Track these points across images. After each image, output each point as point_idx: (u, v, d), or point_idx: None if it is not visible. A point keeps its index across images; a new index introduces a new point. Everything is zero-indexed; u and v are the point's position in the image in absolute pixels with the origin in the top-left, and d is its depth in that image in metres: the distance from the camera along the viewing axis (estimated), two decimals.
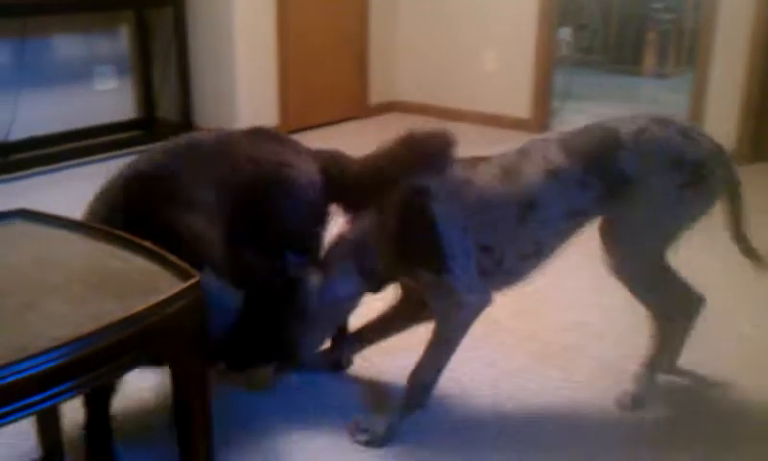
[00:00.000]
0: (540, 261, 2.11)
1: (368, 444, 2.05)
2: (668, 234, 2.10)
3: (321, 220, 2.17)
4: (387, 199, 2.08)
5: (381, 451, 2.03)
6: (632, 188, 2.02)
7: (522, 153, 2.10)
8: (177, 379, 1.44)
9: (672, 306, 2.24)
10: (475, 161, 2.12)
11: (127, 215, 1.79)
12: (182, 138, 2.08)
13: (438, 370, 2.08)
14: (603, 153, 2.02)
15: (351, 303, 2.20)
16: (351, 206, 2.18)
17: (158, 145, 2.05)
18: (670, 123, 2.06)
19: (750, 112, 4.85)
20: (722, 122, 4.93)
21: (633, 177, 2.01)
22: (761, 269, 2.20)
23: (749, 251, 2.20)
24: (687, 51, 8.53)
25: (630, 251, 2.12)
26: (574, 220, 2.08)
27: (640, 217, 2.06)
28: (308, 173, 2.12)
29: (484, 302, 2.05)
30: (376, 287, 2.15)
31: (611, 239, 2.13)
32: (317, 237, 2.18)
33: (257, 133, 2.19)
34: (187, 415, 1.46)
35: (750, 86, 4.82)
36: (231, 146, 2.08)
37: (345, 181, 2.16)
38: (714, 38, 4.91)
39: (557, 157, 2.04)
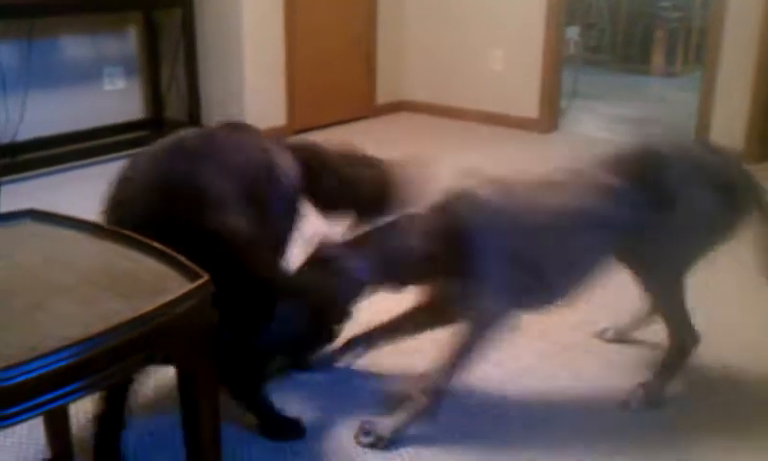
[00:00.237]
0: (586, 280, 2.14)
1: (372, 446, 2.05)
2: (698, 252, 2.17)
3: (298, 214, 2.17)
4: (431, 202, 2.09)
5: (388, 454, 2.03)
6: (673, 207, 2.08)
7: (568, 172, 2.16)
8: (185, 380, 1.44)
9: (685, 325, 2.25)
10: (521, 180, 2.15)
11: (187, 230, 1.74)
12: (170, 140, 2.02)
13: (451, 377, 2.06)
14: (649, 173, 2.10)
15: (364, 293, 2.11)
16: (327, 203, 2.18)
17: (154, 149, 2.00)
18: (706, 145, 2.15)
19: (758, 111, 4.83)
20: (731, 120, 4.91)
21: (676, 196, 2.08)
22: None
23: None
24: (696, 49, 8.51)
25: (660, 266, 2.19)
26: (619, 238, 2.13)
27: (675, 234, 2.12)
28: (291, 167, 2.12)
29: (508, 318, 2.07)
30: (398, 285, 2.11)
31: (639, 253, 2.18)
32: (293, 230, 2.16)
33: (237, 128, 2.17)
34: (195, 415, 1.46)
35: (758, 85, 4.80)
36: (222, 141, 2.05)
37: (323, 178, 2.15)
38: (723, 36, 4.89)
39: (604, 178, 2.08)
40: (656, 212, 2.08)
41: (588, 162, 2.17)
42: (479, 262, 2.00)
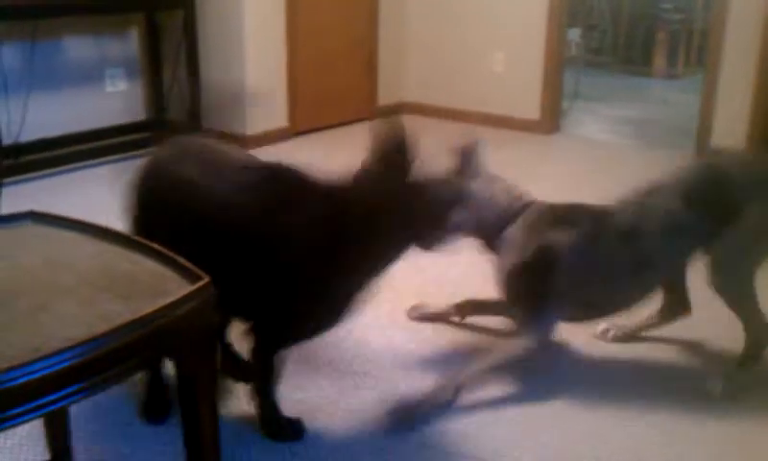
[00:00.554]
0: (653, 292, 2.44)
1: (392, 428, 2.14)
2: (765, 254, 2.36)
3: None
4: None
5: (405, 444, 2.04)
6: (740, 216, 2.28)
7: (640, 196, 2.36)
8: (185, 381, 1.44)
9: (759, 321, 2.38)
10: (597, 211, 2.37)
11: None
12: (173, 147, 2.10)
13: (483, 379, 2.30)
14: (717, 189, 2.32)
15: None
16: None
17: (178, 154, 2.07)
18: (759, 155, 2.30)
19: (760, 113, 4.83)
20: (732, 122, 4.92)
21: (743, 206, 2.28)
22: None
23: None
24: (697, 51, 8.51)
25: (730, 270, 2.35)
26: (691, 251, 2.39)
27: (743, 240, 2.32)
28: None
29: (540, 344, 2.33)
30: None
31: (712, 260, 2.34)
32: None
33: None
34: (195, 416, 1.46)
35: (760, 87, 4.80)
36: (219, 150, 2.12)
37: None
38: (724, 38, 4.89)
39: (673, 203, 2.29)
40: (723, 223, 2.28)
41: (655, 185, 2.38)
42: (535, 301, 2.32)
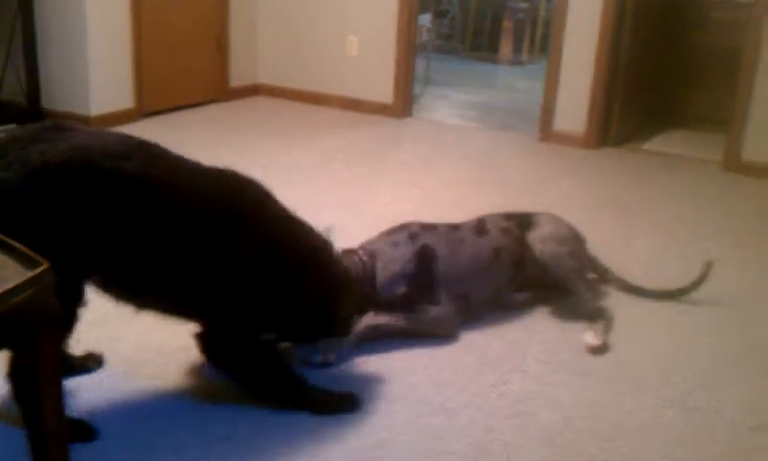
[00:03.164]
0: None
1: (322, 366, 2.29)
2: None
3: None
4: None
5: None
6: None
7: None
8: (23, 373, 1.36)
9: None
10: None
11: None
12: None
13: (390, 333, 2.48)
14: None
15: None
16: None
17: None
18: None
19: (597, 99, 5.10)
20: (572, 108, 5.17)
21: None
22: None
23: None
24: (541, 39, 8.89)
25: None
26: None
27: None
28: None
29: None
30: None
31: None
32: None
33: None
34: (36, 412, 1.38)
35: (598, 75, 5.07)
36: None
37: None
38: (566, 27, 5.13)
39: None
40: None
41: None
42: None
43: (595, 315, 2.66)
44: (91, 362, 2.24)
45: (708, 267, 2.87)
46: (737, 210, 4.15)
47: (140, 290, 1.98)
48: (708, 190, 4.48)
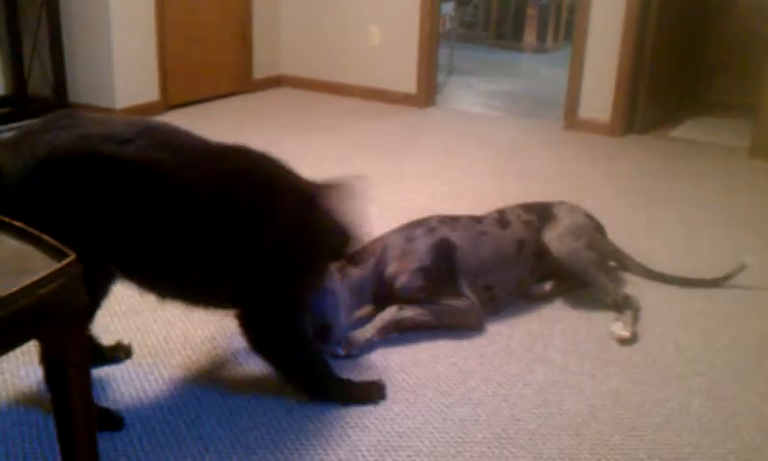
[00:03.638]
0: None
1: (346, 357, 2.31)
2: None
3: None
4: None
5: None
6: None
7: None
8: (53, 364, 1.38)
9: None
10: None
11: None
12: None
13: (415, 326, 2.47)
14: None
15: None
16: None
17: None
18: None
19: (623, 86, 5.06)
20: (598, 96, 5.13)
21: None
22: None
23: None
24: (566, 26, 8.82)
25: None
26: None
27: None
28: None
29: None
30: None
31: None
32: None
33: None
34: (66, 401, 1.40)
35: (623, 61, 5.02)
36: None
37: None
38: (590, 14, 5.08)
39: None
40: None
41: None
42: None
43: (622, 305, 2.64)
44: (120, 352, 2.26)
45: (740, 268, 2.85)
46: (764, 198, 4.09)
47: (156, 278, 1.96)
48: (735, 177, 4.43)
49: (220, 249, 1.91)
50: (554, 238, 2.71)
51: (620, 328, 2.54)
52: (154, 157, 1.83)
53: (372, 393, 2.14)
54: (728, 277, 2.87)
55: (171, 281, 1.97)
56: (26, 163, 1.72)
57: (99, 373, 2.14)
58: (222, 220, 1.89)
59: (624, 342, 2.50)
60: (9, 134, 1.90)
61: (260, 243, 1.92)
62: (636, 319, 2.61)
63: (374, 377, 2.21)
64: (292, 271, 2.00)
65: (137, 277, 1.96)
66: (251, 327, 2.02)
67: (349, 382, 2.15)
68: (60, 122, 1.84)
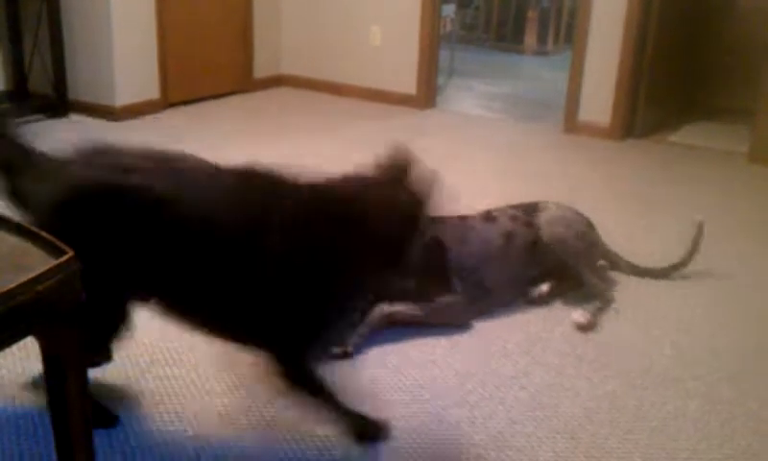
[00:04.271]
0: None
1: (342, 357, 2.31)
2: None
3: None
4: None
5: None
6: None
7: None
8: (50, 361, 1.38)
9: None
10: None
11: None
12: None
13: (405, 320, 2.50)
14: None
15: None
16: None
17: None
18: None
19: (623, 90, 5.06)
20: (597, 99, 5.13)
21: None
22: None
23: None
24: (566, 29, 8.82)
25: None
26: None
27: None
28: None
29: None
30: None
31: None
32: None
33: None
34: (62, 399, 1.40)
35: (623, 64, 5.02)
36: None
37: None
38: (591, 17, 5.08)
39: None
40: None
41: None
42: None
43: (596, 296, 2.70)
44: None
45: (699, 230, 2.95)
46: (763, 203, 4.10)
47: (175, 309, 1.88)
48: (734, 182, 4.43)
49: (230, 277, 1.77)
50: (545, 222, 2.76)
51: (579, 315, 2.61)
52: (153, 186, 1.74)
53: (379, 431, 1.99)
54: (694, 247, 2.96)
55: (190, 312, 1.88)
56: (49, 192, 1.71)
57: (95, 370, 2.14)
58: (226, 247, 1.76)
59: (580, 328, 2.57)
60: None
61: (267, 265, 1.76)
62: (600, 310, 2.67)
63: (369, 381, 2.21)
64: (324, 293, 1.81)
65: (158, 306, 1.87)
66: (287, 364, 1.84)
67: (360, 416, 1.96)
68: (85, 154, 1.81)
